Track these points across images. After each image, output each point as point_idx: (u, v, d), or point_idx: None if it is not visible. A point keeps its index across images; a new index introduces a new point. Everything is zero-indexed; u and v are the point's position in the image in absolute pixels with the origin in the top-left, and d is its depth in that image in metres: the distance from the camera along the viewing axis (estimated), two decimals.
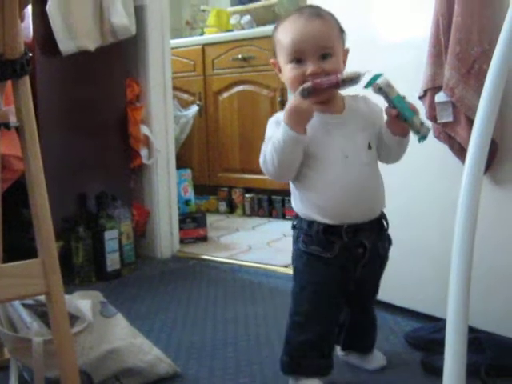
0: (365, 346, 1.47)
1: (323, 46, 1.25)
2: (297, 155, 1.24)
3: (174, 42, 3.30)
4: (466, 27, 1.42)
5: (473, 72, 1.41)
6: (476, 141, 0.94)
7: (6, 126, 1.08)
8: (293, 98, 1.23)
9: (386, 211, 1.36)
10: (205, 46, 3.60)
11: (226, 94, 3.55)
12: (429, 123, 1.34)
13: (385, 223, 1.35)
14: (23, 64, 1.08)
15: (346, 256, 1.29)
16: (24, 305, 1.34)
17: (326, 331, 1.33)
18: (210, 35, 3.76)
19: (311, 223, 1.29)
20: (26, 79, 1.10)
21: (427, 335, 1.55)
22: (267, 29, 3.41)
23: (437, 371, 1.13)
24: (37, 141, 1.09)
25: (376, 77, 1.20)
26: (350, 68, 1.28)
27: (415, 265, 1.69)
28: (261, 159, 1.28)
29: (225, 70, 3.52)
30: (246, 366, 1.49)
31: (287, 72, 1.28)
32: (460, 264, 0.87)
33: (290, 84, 1.29)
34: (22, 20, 1.21)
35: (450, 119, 1.46)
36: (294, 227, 1.35)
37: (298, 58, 1.25)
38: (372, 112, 1.33)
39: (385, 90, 1.21)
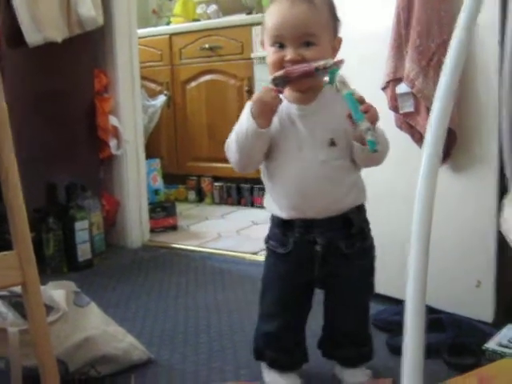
0: (344, 357, 1.36)
1: (305, 33, 1.18)
2: (259, 148, 1.21)
3: (141, 31, 3.30)
4: (426, 20, 1.47)
5: (432, 64, 1.46)
6: (432, 129, 0.97)
7: None
8: (264, 87, 1.19)
9: None
10: (172, 35, 3.61)
11: (193, 84, 3.57)
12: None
13: (357, 221, 1.28)
14: None
15: (301, 252, 1.26)
16: None
17: (286, 326, 1.31)
18: (177, 25, 3.76)
19: (273, 217, 1.29)
20: None
21: (391, 317, 1.61)
22: (234, 18, 3.45)
23: (401, 351, 1.18)
24: (10, 136, 1.10)
25: (334, 71, 1.15)
26: None
27: (379, 251, 1.75)
28: (226, 144, 1.25)
29: (192, 60, 3.54)
30: (219, 352, 1.53)
31: (269, 55, 1.23)
32: (417, 248, 0.91)
33: (270, 67, 1.24)
34: None
35: (411, 109, 1.52)
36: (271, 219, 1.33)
37: (279, 43, 1.20)
38: (347, 108, 1.19)
39: (337, 86, 1.15)
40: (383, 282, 1.77)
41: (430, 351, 1.40)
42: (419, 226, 0.94)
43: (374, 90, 1.60)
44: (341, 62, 1.18)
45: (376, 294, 1.77)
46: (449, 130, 1.48)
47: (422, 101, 1.47)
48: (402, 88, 1.52)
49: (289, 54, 1.18)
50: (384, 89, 1.58)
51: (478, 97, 1.50)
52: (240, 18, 3.42)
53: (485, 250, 1.53)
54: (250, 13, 3.50)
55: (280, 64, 1.19)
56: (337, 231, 1.25)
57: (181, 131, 3.66)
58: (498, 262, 1.53)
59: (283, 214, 1.25)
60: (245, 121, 1.19)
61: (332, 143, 1.21)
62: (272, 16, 1.22)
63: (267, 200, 1.30)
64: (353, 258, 1.28)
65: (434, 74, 1.45)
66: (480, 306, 1.57)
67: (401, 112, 1.54)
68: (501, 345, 1.41)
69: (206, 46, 3.42)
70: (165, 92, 3.63)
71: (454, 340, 1.47)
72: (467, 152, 1.54)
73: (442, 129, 0.98)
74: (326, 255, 1.25)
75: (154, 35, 3.68)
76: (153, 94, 3.65)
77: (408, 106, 1.52)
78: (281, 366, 1.33)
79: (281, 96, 1.19)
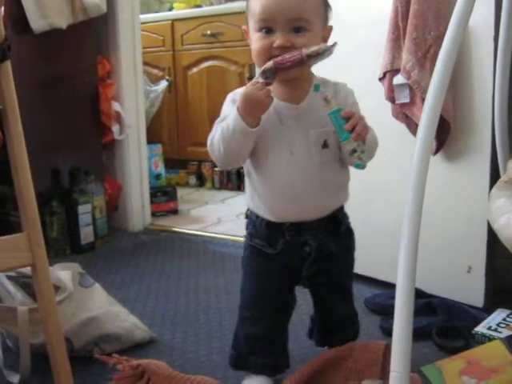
0: (336, 342, 1.30)
1: (297, 18, 1.08)
2: (246, 146, 1.12)
3: (144, 17, 3.32)
4: (423, 13, 1.50)
5: (428, 56, 1.50)
6: (425, 119, 1.00)
7: None
8: (250, 83, 1.09)
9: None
10: (174, 21, 3.63)
11: (195, 69, 3.60)
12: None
13: (343, 220, 1.26)
14: (4, 49, 1.13)
15: (291, 253, 1.20)
16: (7, 276, 1.41)
17: (271, 327, 1.25)
18: (179, 11, 3.78)
19: (257, 216, 1.21)
20: (8, 64, 1.14)
21: (385, 301, 1.66)
22: (235, 5, 3.47)
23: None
24: (19, 122, 1.14)
25: (317, 87, 1.08)
26: None
27: (375, 237, 1.80)
28: (208, 141, 1.15)
29: (194, 46, 3.57)
30: (218, 332, 1.58)
31: (254, 41, 1.13)
32: (408, 232, 0.95)
33: (255, 55, 1.13)
34: (1, 5, 1.26)
35: (407, 100, 1.55)
36: (246, 216, 1.27)
37: (267, 27, 1.10)
38: (339, 106, 1.12)
39: (324, 103, 1.08)
40: (380, 268, 1.83)
41: (422, 334, 1.48)
42: (410, 213, 0.98)
43: (374, 76, 1.64)
44: (334, 45, 1.07)
45: (372, 278, 1.84)
46: (444, 122, 1.53)
47: (418, 92, 1.50)
48: (399, 79, 1.55)
49: (278, 39, 1.08)
50: (381, 79, 1.62)
51: (473, 89, 1.54)
52: (242, 4, 3.42)
53: (476, 236, 1.57)
54: None
55: (268, 51, 1.10)
56: (327, 232, 1.21)
57: (182, 117, 3.69)
58: (489, 249, 1.57)
59: (272, 217, 1.18)
60: (231, 118, 1.09)
61: (325, 145, 1.13)
62: None
63: (252, 200, 1.21)
64: (340, 255, 1.26)
65: (430, 65, 1.48)
66: (471, 290, 1.61)
67: (397, 102, 1.58)
68: (490, 328, 1.46)
69: (208, 32, 3.45)
70: (166, 77, 3.67)
71: (445, 323, 1.51)
72: (461, 141, 1.58)
73: (435, 118, 1.02)
74: (317, 256, 1.21)
75: (156, 21, 3.71)
76: (155, 80, 3.69)
77: (404, 97, 1.56)
78: (266, 372, 1.25)
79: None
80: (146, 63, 3.31)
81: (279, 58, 1.06)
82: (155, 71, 3.74)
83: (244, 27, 1.19)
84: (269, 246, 1.21)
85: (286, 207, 1.17)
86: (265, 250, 1.21)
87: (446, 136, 1.55)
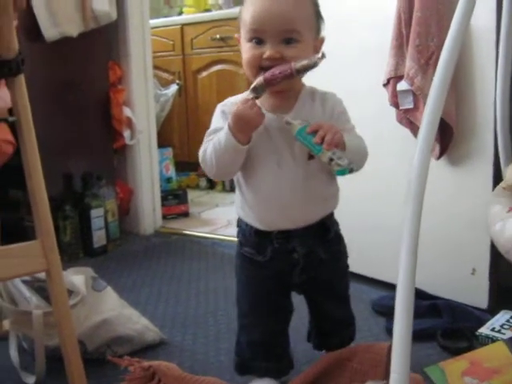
0: (333, 345, 1.34)
1: (287, 29, 1.09)
2: (237, 161, 1.13)
3: (154, 21, 3.37)
4: (425, 21, 1.53)
5: (431, 63, 1.53)
6: (426, 123, 1.02)
7: (5, 120, 1.18)
8: (241, 101, 1.09)
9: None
10: (184, 25, 3.67)
11: (204, 73, 3.64)
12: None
13: (332, 227, 1.26)
14: (18, 63, 1.17)
15: (280, 260, 1.21)
16: (22, 281, 1.46)
17: (269, 334, 1.27)
18: (189, 15, 3.82)
19: (247, 224, 1.23)
20: (21, 77, 1.19)
21: (391, 302, 1.67)
22: None
23: None
24: (33, 133, 1.18)
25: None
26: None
27: (381, 239, 1.82)
28: (200, 154, 1.16)
29: (203, 50, 3.60)
30: (226, 333, 1.61)
31: (245, 52, 1.13)
32: (409, 235, 0.97)
33: (245, 64, 1.13)
34: (15, 19, 1.30)
35: (411, 106, 1.58)
36: (237, 225, 1.28)
37: (258, 38, 1.10)
38: (325, 116, 1.17)
39: (287, 126, 1.10)
40: (386, 270, 1.85)
41: (426, 335, 1.51)
42: (410, 215, 1.00)
43: (377, 80, 1.67)
44: (322, 58, 1.07)
45: (379, 280, 1.87)
46: (447, 126, 1.56)
47: (421, 98, 1.53)
48: (403, 85, 1.58)
49: (268, 50, 1.08)
50: (385, 85, 1.65)
51: (475, 94, 1.57)
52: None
53: (480, 239, 1.60)
54: None
55: (257, 62, 1.10)
56: (316, 239, 1.22)
57: (192, 120, 3.73)
58: (493, 251, 1.58)
59: (260, 226, 1.20)
60: (223, 135, 1.10)
61: (310, 156, 1.12)
62: (251, 9, 1.11)
63: (242, 209, 1.23)
64: (330, 261, 1.26)
65: (432, 72, 1.49)
66: (475, 292, 1.64)
67: (401, 108, 1.61)
68: (493, 330, 1.48)
69: (217, 36, 3.48)
70: (177, 81, 3.71)
71: (449, 325, 1.54)
72: (464, 145, 1.61)
73: (435, 122, 1.04)
74: (306, 262, 1.22)
75: (166, 25, 3.75)
76: (165, 83, 3.73)
77: (408, 103, 1.59)
78: (271, 374, 1.28)
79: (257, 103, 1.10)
80: (156, 67, 3.36)
81: (269, 74, 1.07)
82: (165, 75, 3.78)
83: (236, 35, 1.19)
84: (258, 253, 1.22)
85: (273, 217, 1.19)
86: (255, 258, 1.23)
87: (449, 141, 1.58)
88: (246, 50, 1.12)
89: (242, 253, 1.26)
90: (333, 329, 1.36)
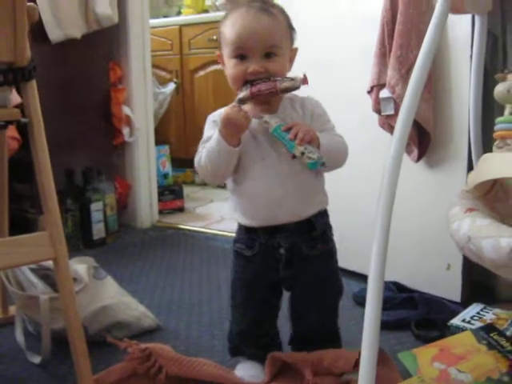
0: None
1: (269, 45, 1.19)
2: (231, 164, 1.22)
3: (153, 21, 3.46)
4: (406, 33, 1.63)
5: (411, 73, 1.62)
6: (399, 127, 1.12)
7: (18, 122, 1.29)
8: (228, 107, 1.20)
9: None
10: (182, 26, 3.77)
11: (201, 73, 3.74)
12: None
13: (318, 225, 1.30)
14: (30, 70, 1.28)
15: (266, 254, 1.29)
16: (30, 269, 1.57)
17: (255, 325, 1.36)
18: (187, 16, 3.92)
19: (239, 223, 1.32)
20: (33, 82, 1.30)
21: None
22: None
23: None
24: (43, 134, 1.27)
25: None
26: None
27: (363, 234, 1.92)
28: (196, 161, 1.25)
29: (201, 50, 3.70)
30: (219, 320, 1.72)
31: (230, 67, 1.22)
32: (380, 230, 1.06)
33: (231, 80, 1.23)
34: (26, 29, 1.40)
35: (392, 112, 1.68)
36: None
37: (241, 54, 1.19)
38: (306, 119, 1.27)
39: (264, 125, 1.21)
40: (367, 263, 1.95)
41: (402, 325, 1.61)
42: (381, 214, 1.10)
43: (362, 84, 1.76)
44: (306, 79, 1.18)
45: (358, 273, 1.96)
46: (425, 132, 1.67)
47: (401, 105, 1.64)
48: (385, 93, 1.68)
49: (252, 65, 1.18)
50: (369, 92, 1.76)
51: (452, 103, 1.67)
52: (221, 19, 3.55)
53: None
54: None
55: (242, 76, 1.20)
56: (300, 235, 1.28)
57: (189, 117, 3.83)
58: None
59: (247, 222, 1.29)
60: (215, 140, 1.19)
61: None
62: (233, 28, 1.20)
63: (234, 210, 1.32)
64: (315, 260, 1.31)
65: None
66: (449, 286, 1.74)
67: (383, 114, 1.72)
68: (464, 321, 1.56)
69: (214, 37, 3.56)
70: (174, 80, 3.81)
71: (423, 315, 1.64)
72: (441, 150, 1.71)
73: (407, 126, 1.14)
74: (290, 258, 1.29)
75: (165, 26, 3.84)
76: (163, 82, 3.83)
77: (389, 109, 1.69)
78: (257, 359, 1.37)
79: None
80: (154, 66, 3.43)
81: (255, 89, 1.17)
82: (163, 74, 3.88)
83: (218, 53, 1.29)
84: (247, 248, 1.31)
85: (259, 212, 1.27)
86: (244, 253, 1.32)
87: (426, 145, 1.70)
88: (231, 66, 1.22)
89: (235, 249, 1.35)
90: (309, 337, 1.38)
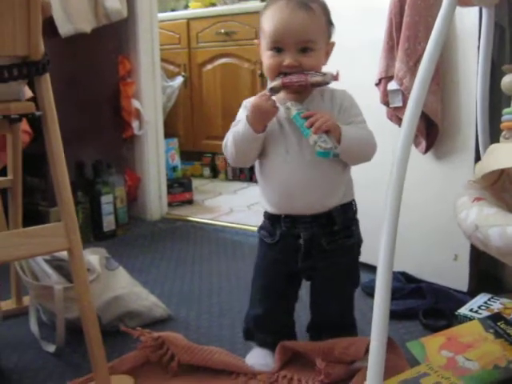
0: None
1: (304, 40, 1.22)
2: (254, 149, 1.27)
3: (161, 15, 3.47)
4: (414, 26, 1.64)
5: (418, 65, 1.64)
6: (407, 119, 1.13)
7: (32, 115, 1.31)
8: (258, 95, 1.25)
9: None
10: (190, 20, 3.78)
11: (209, 66, 3.75)
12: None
13: (339, 219, 1.31)
14: (44, 64, 1.30)
15: (286, 243, 1.32)
16: (44, 259, 1.60)
17: (272, 310, 1.38)
18: (195, 10, 3.93)
19: (265, 210, 1.36)
20: (47, 76, 1.32)
21: None
22: (249, 5, 3.61)
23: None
24: (57, 126, 1.29)
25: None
26: None
27: (373, 226, 1.94)
28: (223, 143, 1.31)
29: (208, 44, 3.72)
30: (228, 311, 1.74)
31: (266, 58, 1.26)
32: (389, 221, 1.07)
33: (266, 70, 1.27)
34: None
35: (400, 104, 1.70)
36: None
37: (278, 48, 1.23)
38: (334, 111, 1.29)
39: (286, 111, 1.25)
40: (374, 254, 1.96)
41: (410, 315, 1.63)
42: (390, 205, 1.11)
43: (373, 75, 1.78)
44: (337, 76, 1.22)
45: (367, 264, 1.97)
46: (433, 124, 1.68)
47: (409, 97, 1.65)
48: (393, 85, 1.70)
49: (287, 59, 1.22)
50: (377, 85, 1.77)
51: (460, 95, 1.68)
52: (255, 4, 3.59)
53: None
54: (264, 0, 3.66)
55: (277, 68, 1.24)
56: (320, 228, 1.30)
57: (197, 111, 3.85)
58: None
59: (271, 209, 1.33)
60: (242, 125, 1.24)
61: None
62: (271, 21, 1.24)
63: (260, 195, 1.36)
64: (334, 254, 1.32)
65: None
66: (457, 276, 1.76)
67: (391, 106, 1.73)
68: (471, 310, 1.59)
69: (222, 30, 3.60)
70: (182, 73, 3.83)
71: (431, 305, 1.65)
72: (449, 141, 1.72)
73: (415, 118, 1.15)
74: (309, 249, 1.31)
75: (173, 19, 3.86)
76: (171, 75, 3.85)
77: (397, 102, 1.71)
78: (268, 346, 1.40)
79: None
80: (162, 60, 3.45)
81: (287, 80, 1.22)
82: (171, 67, 3.89)
83: (256, 41, 1.34)
84: (269, 236, 1.35)
85: (280, 200, 1.30)
86: (266, 241, 1.36)
87: (434, 137, 1.71)
88: (267, 57, 1.26)
89: (259, 236, 1.39)
90: (326, 326, 1.41)
